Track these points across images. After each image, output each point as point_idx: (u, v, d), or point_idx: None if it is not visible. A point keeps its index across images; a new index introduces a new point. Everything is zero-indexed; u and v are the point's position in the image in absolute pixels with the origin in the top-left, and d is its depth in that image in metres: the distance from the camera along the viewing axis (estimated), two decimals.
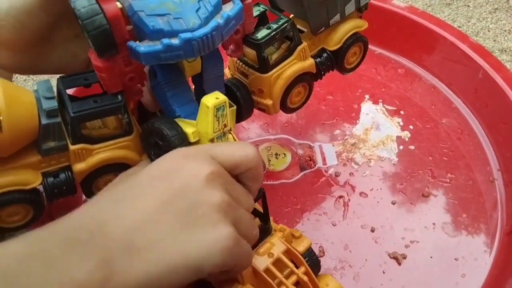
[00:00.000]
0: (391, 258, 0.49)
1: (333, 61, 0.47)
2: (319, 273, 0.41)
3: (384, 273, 0.48)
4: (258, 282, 0.37)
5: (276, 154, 0.58)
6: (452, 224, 0.51)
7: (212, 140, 0.34)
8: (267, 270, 0.37)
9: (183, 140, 0.34)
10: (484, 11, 0.80)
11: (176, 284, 0.29)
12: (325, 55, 0.46)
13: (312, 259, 0.41)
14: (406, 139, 0.60)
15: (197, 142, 0.35)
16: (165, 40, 0.30)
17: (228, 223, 0.30)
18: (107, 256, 0.27)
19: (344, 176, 0.56)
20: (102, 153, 0.36)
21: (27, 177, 0.34)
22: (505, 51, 0.73)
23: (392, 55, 0.71)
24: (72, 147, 0.35)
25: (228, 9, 0.33)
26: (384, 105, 0.64)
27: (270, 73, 0.42)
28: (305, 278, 0.37)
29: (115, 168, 0.37)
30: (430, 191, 0.54)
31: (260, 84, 0.43)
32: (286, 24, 0.41)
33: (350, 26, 0.46)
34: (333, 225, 0.51)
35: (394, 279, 0.47)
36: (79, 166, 0.36)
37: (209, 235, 0.29)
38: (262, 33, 0.41)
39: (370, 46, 0.72)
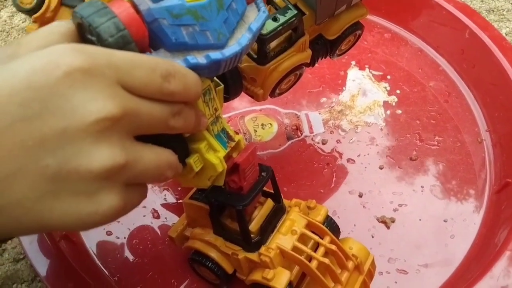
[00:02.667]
0: (379, 222, 0.48)
1: (328, 48, 0.45)
2: (346, 238, 0.41)
3: (373, 237, 0.47)
4: (288, 261, 0.37)
5: (262, 125, 0.58)
6: (441, 186, 0.51)
7: (207, 129, 0.32)
8: (294, 248, 0.37)
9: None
10: None
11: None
12: (321, 42, 0.44)
13: (332, 226, 0.41)
14: (393, 104, 0.59)
15: (191, 136, 0.32)
16: (192, 59, 0.26)
17: (113, 191, 0.23)
18: None
19: (331, 144, 0.55)
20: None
21: None
22: (493, 11, 0.71)
23: (378, 20, 0.70)
24: None
25: (252, 18, 0.29)
26: (371, 70, 0.63)
27: (267, 65, 0.39)
28: (333, 247, 0.37)
29: None
30: (418, 154, 0.54)
31: (255, 74, 0.40)
32: (294, 19, 0.38)
33: (353, 16, 0.43)
34: (321, 192, 0.51)
35: (383, 243, 0.47)
36: None
37: (81, 208, 0.22)
38: (268, 25, 0.37)
39: None
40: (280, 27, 0.37)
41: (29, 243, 0.42)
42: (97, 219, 0.23)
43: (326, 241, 0.38)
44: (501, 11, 0.72)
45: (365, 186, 0.51)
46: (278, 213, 0.39)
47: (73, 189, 0.22)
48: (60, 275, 0.40)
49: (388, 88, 0.61)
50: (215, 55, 0.26)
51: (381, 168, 0.53)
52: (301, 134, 0.56)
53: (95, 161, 0.21)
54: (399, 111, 0.58)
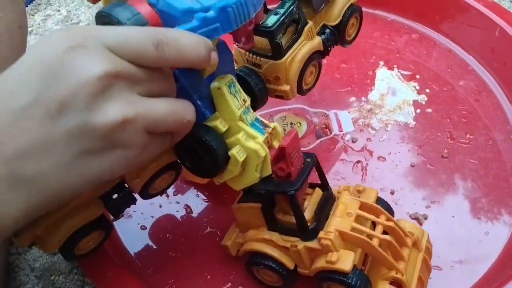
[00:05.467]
0: (412, 219, 0.48)
1: (336, 35, 0.47)
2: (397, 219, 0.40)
3: None
4: (348, 245, 0.36)
5: (291, 123, 0.58)
6: (473, 184, 0.51)
7: (241, 119, 0.33)
8: (353, 229, 0.36)
9: (222, 143, 0.32)
10: None
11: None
12: (328, 31, 0.46)
13: (386, 206, 0.41)
14: (423, 103, 0.59)
15: (227, 131, 0.33)
16: (199, 14, 0.28)
17: (130, 143, 0.26)
18: None
19: (361, 142, 0.55)
20: None
21: (91, 208, 0.36)
22: None
23: (406, 21, 0.70)
24: None
25: None
26: (399, 70, 0.63)
27: (284, 58, 0.41)
28: (391, 223, 0.37)
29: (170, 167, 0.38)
30: (449, 152, 0.54)
31: (276, 71, 0.42)
32: (293, 6, 0.41)
33: None
34: None
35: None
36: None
37: (105, 163, 0.25)
38: (271, 19, 0.39)
39: (382, 13, 0.72)
40: (283, 17, 0.40)
41: None
42: (129, 161, 0.26)
43: (382, 220, 0.37)
44: None
45: (396, 184, 0.51)
46: (328, 200, 0.39)
47: (98, 145, 0.25)
48: (97, 265, 0.41)
49: (418, 88, 0.61)
50: (219, 3, 0.28)
51: (412, 165, 0.53)
52: (330, 133, 0.57)
53: (106, 116, 0.24)
54: (429, 110, 0.58)
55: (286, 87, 0.43)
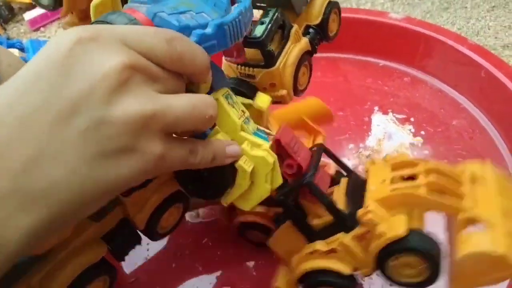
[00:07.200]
0: None
1: (320, 33, 0.49)
2: None
3: None
4: (397, 209, 0.32)
5: None
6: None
7: (243, 129, 0.32)
8: (393, 191, 0.32)
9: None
10: (482, 10, 0.82)
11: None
12: (311, 30, 0.48)
13: None
14: (419, 145, 0.61)
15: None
16: (197, 31, 0.28)
17: (153, 140, 0.24)
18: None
19: None
20: None
21: (93, 250, 0.34)
22: (508, 46, 0.74)
23: (396, 65, 0.73)
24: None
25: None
26: (394, 114, 0.66)
27: (277, 64, 0.43)
28: (431, 165, 0.32)
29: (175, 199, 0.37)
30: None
31: (271, 78, 0.43)
32: (277, 13, 0.42)
33: None
34: None
35: None
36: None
37: (124, 167, 0.23)
38: (259, 29, 0.41)
39: (373, 59, 0.75)
40: (269, 25, 0.41)
41: None
42: (147, 168, 0.24)
43: (421, 167, 0.32)
44: None
45: None
46: (356, 181, 0.36)
47: (116, 146, 0.22)
48: None
49: (413, 130, 0.63)
50: (216, 20, 0.29)
51: None
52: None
53: (126, 111, 0.22)
54: (426, 152, 0.60)
55: (283, 92, 0.44)
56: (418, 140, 0.62)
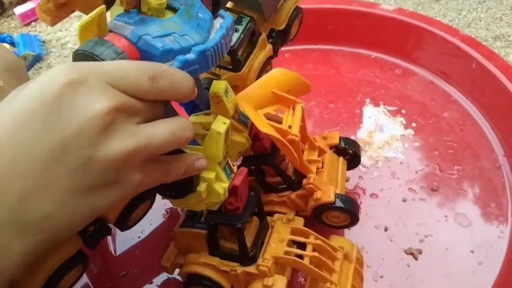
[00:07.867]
0: (407, 254, 0.50)
1: (282, 37, 0.50)
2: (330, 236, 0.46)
3: (402, 269, 0.49)
4: (281, 268, 0.42)
5: None
6: (464, 214, 0.53)
7: (219, 164, 0.35)
8: (286, 253, 0.41)
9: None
10: (474, 2, 0.82)
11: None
12: (274, 34, 0.49)
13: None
14: (410, 137, 0.61)
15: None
16: (180, 57, 0.29)
17: (134, 171, 0.27)
18: None
19: (354, 180, 0.57)
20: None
21: (70, 245, 0.36)
22: (499, 38, 0.74)
23: (388, 57, 0.73)
24: None
25: (219, 24, 0.33)
26: (385, 106, 0.66)
27: (243, 69, 0.45)
28: (319, 241, 0.42)
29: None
30: (439, 184, 0.56)
31: (235, 81, 0.45)
32: (250, 23, 0.44)
33: (291, 3, 0.49)
34: (347, 229, 0.53)
35: (412, 275, 0.48)
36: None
37: (114, 193, 0.26)
38: (233, 37, 0.42)
39: (364, 51, 0.75)
40: (242, 35, 0.43)
41: None
42: (126, 194, 0.27)
43: (311, 239, 0.42)
44: (507, 37, 0.74)
45: (390, 220, 0.53)
46: (263, 228, 0.44)
47: (101, 181, 0.25)
48: None
49: (404, 122, 0.63)
50: (198, 47, 0.30)
51: (404, 200, 0.55)
52: None
53: (111, 151, 0.24)
54: (417, 144, 0.60)
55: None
56: (409, 132, 0.62)
